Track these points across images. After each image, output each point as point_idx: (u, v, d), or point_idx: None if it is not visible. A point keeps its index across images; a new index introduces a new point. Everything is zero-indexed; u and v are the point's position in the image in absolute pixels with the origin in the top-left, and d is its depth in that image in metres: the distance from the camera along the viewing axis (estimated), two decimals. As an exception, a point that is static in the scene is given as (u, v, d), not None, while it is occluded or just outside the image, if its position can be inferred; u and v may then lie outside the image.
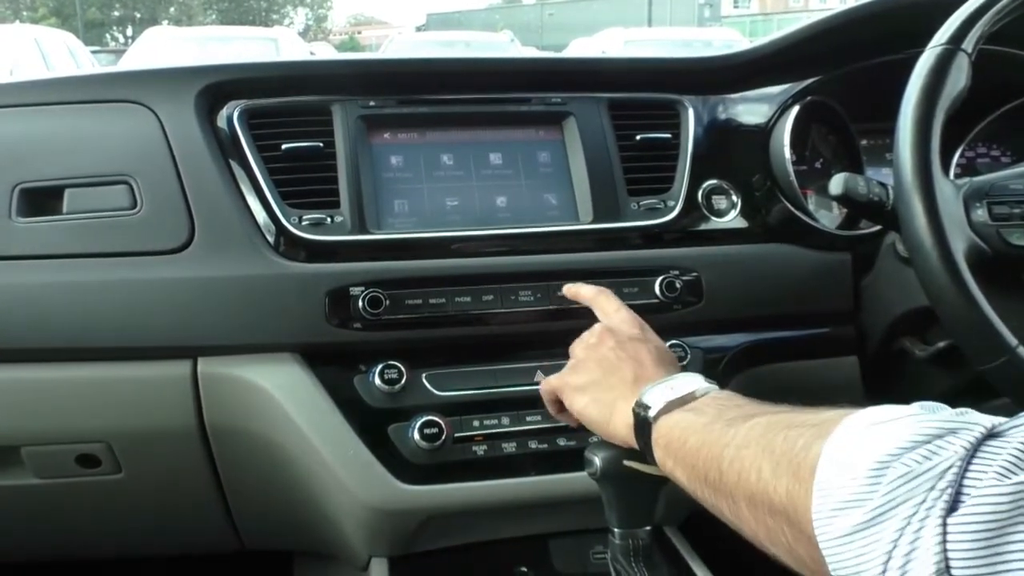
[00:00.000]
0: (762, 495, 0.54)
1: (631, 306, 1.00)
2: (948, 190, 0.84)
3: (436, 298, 0.96)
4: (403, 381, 0.94)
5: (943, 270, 0.79)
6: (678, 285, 1.01)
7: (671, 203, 1.05)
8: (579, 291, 0.92)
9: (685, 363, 1.01)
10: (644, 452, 0.70)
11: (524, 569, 1.00)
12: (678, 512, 1.05)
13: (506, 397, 0.97)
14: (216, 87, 1.01)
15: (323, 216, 0.96)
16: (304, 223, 0.96)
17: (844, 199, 0.91)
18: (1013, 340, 0.77)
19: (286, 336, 0.94)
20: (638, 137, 1.08)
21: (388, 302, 0.93)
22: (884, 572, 0.42)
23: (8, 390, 0.95)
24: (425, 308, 0.95)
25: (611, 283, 1.00)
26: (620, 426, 0.73)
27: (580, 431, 0.98)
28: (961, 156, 1.24)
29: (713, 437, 0.61)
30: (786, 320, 1.10)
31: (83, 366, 0.94)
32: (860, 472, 0.44)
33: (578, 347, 0.83)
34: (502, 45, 11.28)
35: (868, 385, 1.13)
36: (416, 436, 0.93)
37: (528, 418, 0.97)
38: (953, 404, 1.22)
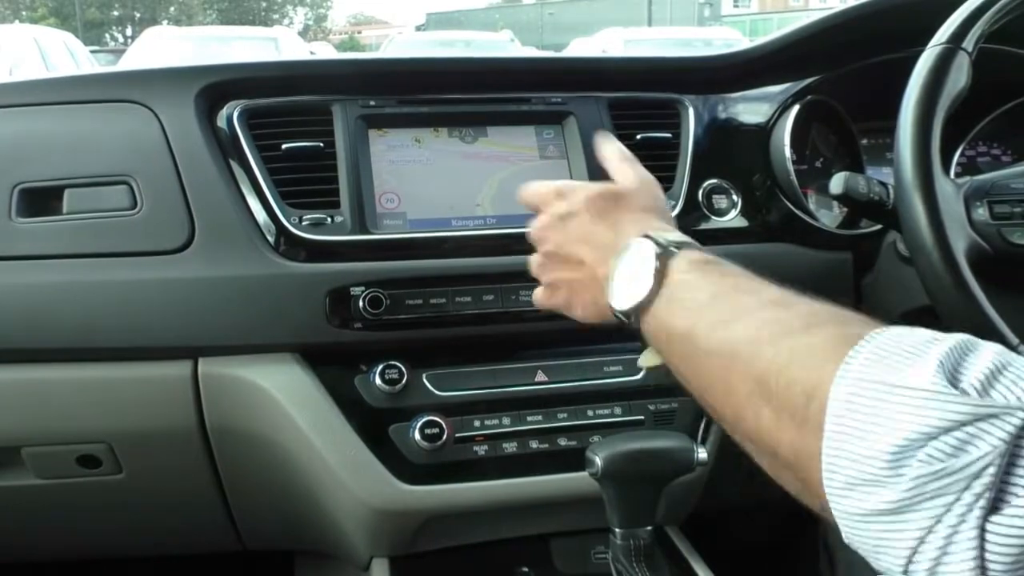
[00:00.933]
0: (764, 441, 0.49)
1: None
2: (949, 189, 0.84)
3: (437, 298, 0.95)
4: (404, 381, 0.94)
5: (944, 269, 0.78)
6: (679, 285, 1.00)
7: (671, 202, 1.05)
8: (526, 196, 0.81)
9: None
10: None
11: (525, 569, 0.99)
12: (679, 512, 1.05)
13: (507, 397, 0.97)
14: (216, 87, 1.01)
15: (323, 216, 0.96)
16: (304, 223, 0.96)
17: (844, 198, 0.91)
18: (1014, 339, 0.77)
19: (286, 336, 0.94)
20: (638, 136, 1.07)
21: (389, 302, 0.93)
22: (909, 563, 0.39)
23: (8, 391, 0.95)
24: (426, 308, 0.95)
25: None
26: (605, 317, 0.67)
27: (579, 430, 0.98)
28: (962, 155, 1.24)
29: (698, 347, 0.55)
30: None
31: (83, 367, 0.94)
32: (878, 451, 0.40)
33: (535, 257, 0.77)
34: (502, 44, 11.30)
35: None
36: (417, 436, 0.93)
37: (529, 418, 0.97)
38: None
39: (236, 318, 0.93)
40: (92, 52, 12.05)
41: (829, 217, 1.15)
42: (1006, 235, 0.87)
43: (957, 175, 1.21)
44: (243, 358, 0.94)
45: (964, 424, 0.38)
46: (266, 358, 0.94)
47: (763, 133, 1.14)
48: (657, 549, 0.82)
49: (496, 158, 1.05)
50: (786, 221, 1.10)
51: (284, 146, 0.98)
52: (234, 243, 0.94)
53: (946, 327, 0.83)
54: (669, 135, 1.09)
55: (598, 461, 0.77)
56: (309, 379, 0.94)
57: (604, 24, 13.67)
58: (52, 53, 7.99)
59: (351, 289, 0.93)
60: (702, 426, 1.01)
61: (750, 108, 1.16)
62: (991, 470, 0.37)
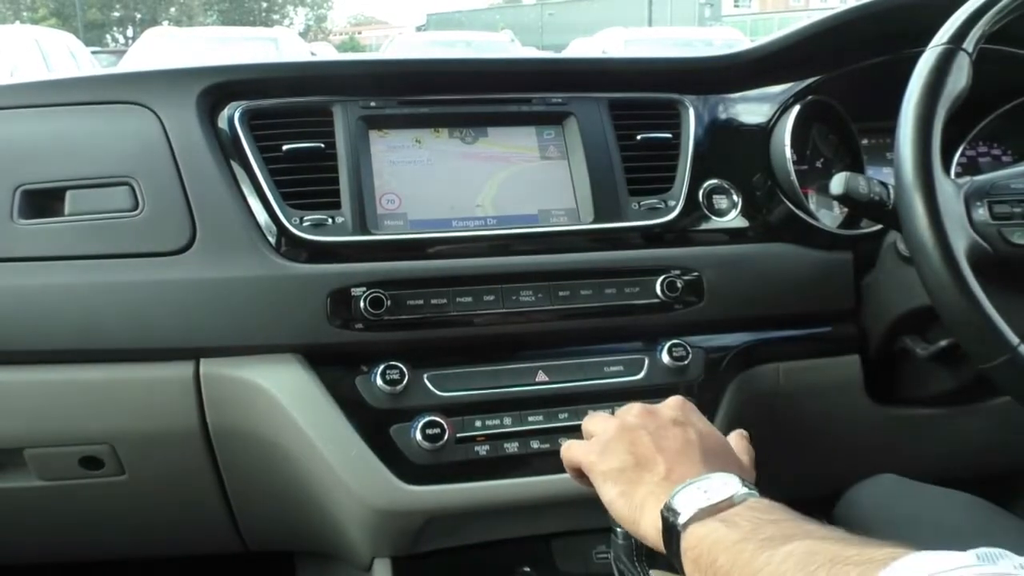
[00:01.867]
0: None
1: (633, 306, 1.01)
2: (949, 189, 0.84)
3: (438, 298, 0.96)
4: (405, 381, 0.94)
5: (944, 269, 0.79)
6: (679, 285, 1.01)
7: (672, 203, 1.05)
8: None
9: (687, 362, 1.00)
10: (672, 560, 0.64)
11: (527, 569, 1.00)
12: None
13: (508, 397, 0.97)
14: (217, 88, 1.01)
15: (324, 217, 0.96)
16: (305, 224, 0.96)
17: (845, 198, 0.91)
18: (1015, 339, 0.77)
19: (288, 337, 0.94)
20: (639, 137, 1.08)
21: (390, 302, 0.93)
22: None
23: (10, 392, 0.95)
24: (427, 308, 0.95)
25: (612, 283, 1.01)
26: (649, 528, 0.66)
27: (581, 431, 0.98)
28: (962, 155, 1.24)
29: (744, 559, 0.55)
30: (787, 319, 1.10)
31: (85, 368, 0.94)
32: None
33: (611, 422, 0.75)
34: (502, 45, 11.30)
35: (869, 384, 1.13)
36: (418, 436, 0.93)
37: (530, 418, 0.97)
38: (955, 403, 1.22)
39: (237, 319, 0.93)
40: (93, 53, 12.05)
41: (829, 217, 1.15)
42: (1006, 235, 0.87)
43: (957, 175, 1.22)
44: (244, 359, 0.94)
45: None
46: (267, 359, 0.94)
47: (764, 133, 1.14)
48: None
49: (496, 158, 1.05)
50: (786, 221, 1.10)
51: (285, 147, 0.98)
52: (235, 244, 0.94)
53: (947, 326, 0.84)
54: (669, 135, 1.09)
55: (599, 461, 0.77)
56: (310, 380, 0.94)
57: (604, 24, 13.66)
58: (53, 54, 7.99)
59: (352, 290, 0.93)
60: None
61: (751, 108, 1.16)
62: None
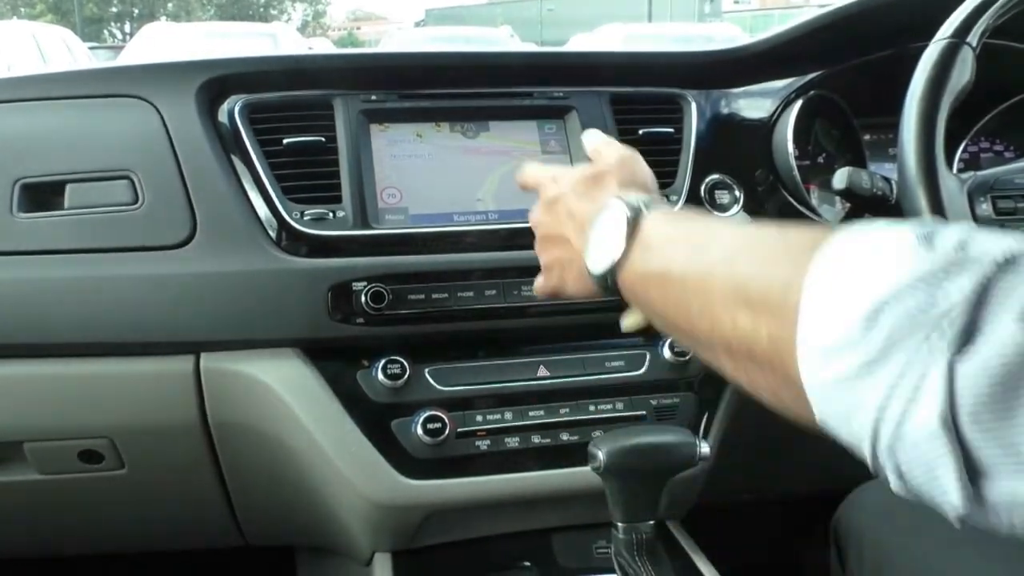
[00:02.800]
0: (740, 343, 0.49)
1: None
2: (952, 184, 0.84)
3: (439, 293, 0.95)
4: (406, 376, 0.94)
5: None
6: (681, 280, 1.00)
7: (674, 197, 1.05)
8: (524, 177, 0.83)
9: (688, 357, 1.00)
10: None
11: (527, 563, 1.00)
12: (681, 506, 1.05)
13: (509, 392, 0.97)
14: (217, 81, 1.01)
15: (325, 211, 0.96)
16: (306, 218, 0.95)
17: (848, 193, 0.91)
18: None
19: (289, 331, 0.94)
20: (640, 131, 1.07)
21: (391, 297, 0.93)
22: (880, 420, 0.38)
23: (10, 386, 0.95)
24: (428, 303, 0.95)
25: None
26: (592, 288, 0.68)
27: (581, 424, 0.98)
28: (964, 151, 1.24)
29: (673, 280, 0.56)
30: None
31: (85, 362, 0.94)
32: (853, 315, 0.39)
33: (536, 229, 0.79)
34: (501, 40, 11.28)
35: None
36: (419, 431, 0.93)
37: (531, 413, 0.97)
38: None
39: (238, 313, 0.93)
40: (90, 48, 12.03)
41: (831, 212, 1.15)
42: (1009, 231, 0.87)
43: (960, 171, 1.21)
44: (245, 353, 0.94)
45: (941, 274, 0.38)
46: (268, 353, 0.94)
47: (766, 128, 1.14)
48: (659, 543, 0.82)
49: (498, 153, 1.05)
50: (788, 216, 1.10)
51: (286, 141, 0.98)
52: (236, 238, 0.94)
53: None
54: (671, 130, 1.09)
55: (600, 456, 0.77)
56: (311, 374, 0.94)
57: (604, 20, 13.64)
58: (50, 49, 7.98)
59: (353, 284, 0.93)
60: (704, 421, 1.01)
61: (753, 103, 1.16)
62: (961, 312, 0.36)
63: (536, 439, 0.97)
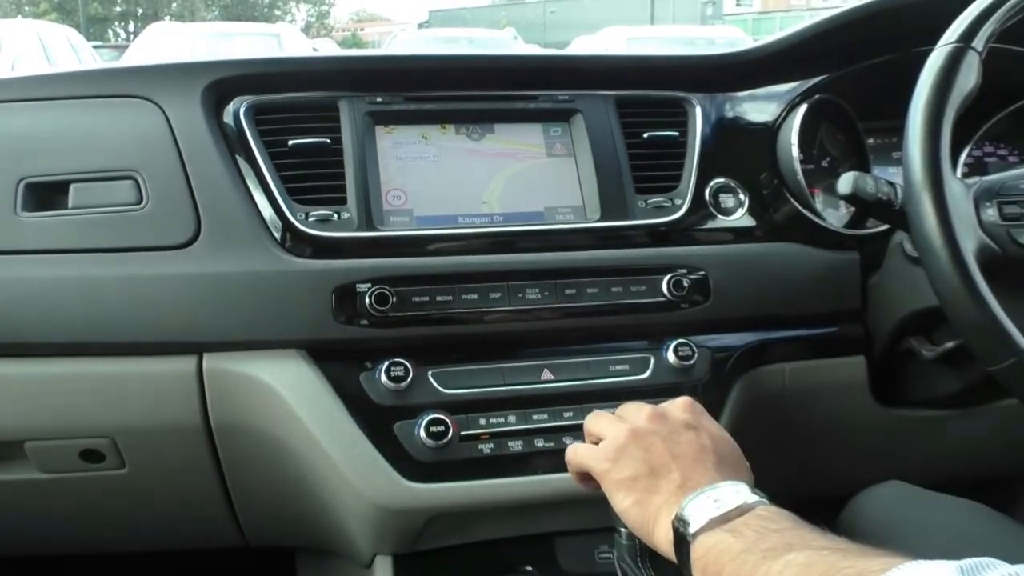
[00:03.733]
0: None
1: (638, 305, 1.00)
2: (958, 189, 0.84)
3: (443, 295, 0.95)
4: (409, 378, 0.94)
5: (953, 270, 0.78)
6: (685, 284, 1.00)
7: (678, 201, 1.05)
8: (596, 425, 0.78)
9: (692, 362, 1.00)
10: (683, 569, 0.63)
11: (529, 568, 0.99)
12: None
13: (513, 395, 0.97)
14: (223, 83, 1.01)
15: (330, 212, 0.96)
16: (311, 219, 0.95)
17: (853, 198, 0.91)
18: (1023, 341, 0.77)
19: (292, 333, 0.94)
20: (645, 135, 1.07)
21: (395, 299, 0.93)
22: None
23: (12, 385, 0.95)
24: (432, 305, 0.95)
25: (618, 281, 1.00)
26: (662, 538, 0.66)
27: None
28: (968, 155, 1.23)
29: (746, 570, 0.56)
30: (793, 319, 1.09)
31: (88, 361, 0.94)
32: None
33: (620, 427, 0.73)
34: (505, 42, 11.27)
35: (875, 385, 1.13)
36: (422, 434, 0.92)
37: (535, 416, 0.97)
38: (960, 405, 1.22)
39: (241, 314, 0.93)
40: (95, 48, 12.03)
41: (836, 217, 1.15)
42: (1016, 236, 0.86)
43: (964, 175, 1.21)
44: (248, 354, 0.94)
45: None
46: (271, 354, 0.94)
47: (770, 132, 1.13)
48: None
49: (503, 155, 1.05)
50: (793, 220, 1.10)
51: (291, 142, 0.98)
52: (240, 239, 0.94)
53: (955, 328, 0.83)
54: (676, 133, 1.09)
55: (604, 460, 0.76)
56: (314, 376, 0.93)
57: (607, 22, 13.64)
58: (55, 48, 7.98)
59: (357, 286, 0.93)
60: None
61: (757, 107, 1.16)
62: None
63: (539, 443, 0.96)
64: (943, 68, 0.84)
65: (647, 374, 1.00)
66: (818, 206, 1.13)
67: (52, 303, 0.92)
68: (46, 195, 0.95)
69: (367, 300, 0.92)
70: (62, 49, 8.22)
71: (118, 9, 38.95)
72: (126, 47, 12.28)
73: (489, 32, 13.18)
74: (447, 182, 1.02)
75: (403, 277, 0.94)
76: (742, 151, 1.12)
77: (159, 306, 0.93)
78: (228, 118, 1.00)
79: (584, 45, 11.85)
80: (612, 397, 0.99)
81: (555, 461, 0.96)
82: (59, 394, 0.95)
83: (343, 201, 0.97)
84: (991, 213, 0.86)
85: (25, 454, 0.97)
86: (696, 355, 1.01)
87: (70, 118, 1.00)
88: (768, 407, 1.07)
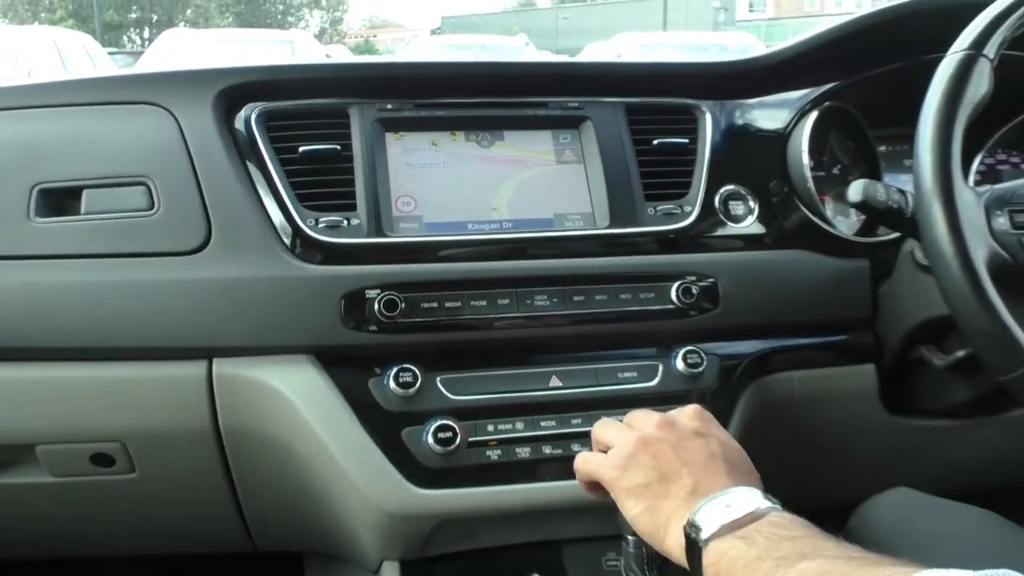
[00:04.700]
0: None
1: (647, 312, 1.00)
2: (969, 197, 0.83)
3: (452, 301, 0.95)
4: (418, 384, 0.94)
5: (964, 279, 0.78)
6: (695, 291, 1.00)
7: (688, 208, 1.05)
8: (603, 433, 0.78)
9: (701, 369, 1.00)
10: (694, 573, 0.64)
11: (536, 575, 0.99)
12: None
13: (521, 402, 0.97)
14: (234, 89, 1.01)
15: (340, 218, 0.96)
16: (321, 225, 0.96)
17: (863, 206, 0.90)
18: None
19: (301, 338, 0.94)
20: (655, 142, 1.07)
21: (404, 305, 0.93)
22: None
23: (24, 388, 0.95)
24: (441, 311, 0.95)
25: (627, 288, 1.00)
26: (673, 544, 0.65)
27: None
28: (981, 163, 1.23)
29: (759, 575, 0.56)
30: (803, 327, 1.09)
31: (99, 366, 0.95)
32: None
33: (629, 435, 0.73)
34: (517, 49, 11.28)
35: (885, 394, 1.12)
36: (430, 440, 0.92)
37: (543, 423, 0.96)
38: (971, 414, 1.21)
39: (251, 319, 0.94)
40: (110, 54, 12.12)
41: (846, 224, 1.14)
42: None
43: (976, 183, 1.20)
44: (257, 359, 0.94)
45: None
46: (280, 360, 0.94)
47: (780, 139, 1.13)
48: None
49: (512, 162, 1.05)
50: (803, 228, 1.09)
51: (301, 148, 0.99)
52: (250, 245, 0.94)
53: (965, 337, 0.83)
54: (686, 140, 1.09)
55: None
56: (323, 381, 0.94)
57: (619, 28, 13.66)
58: (70, 55, 8.04)
59: (366, 292, 0.93)
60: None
61: (767, 114, 1.16)
62: None
63: (547, 449, 0.96)
64: (954, 75, 0.83)
65: (655, 381, 1.00)
66: (828, 214, 1.12)
67: (64, 308, 0.93)
68: (59, 201, 0.96)
69: (376, 306, 0.92)
70: (78, 55, 8.29)
71: (133, 16, 39.23)
72: (141, 53, 12.37)
73: (501, 39, 13.22)
74: (457, 189, 1.02)
75: (412, 283, 0.95)
76: (752, 158, 1.12)
77: (170, 311, 0.93)
78: (239, 124, 1.01)
79: (596, 51, 11.86)
80: (620, 404, 0.98)
81: (563, 468, 0.96)
82: (70, 398, 0.96)
83: (353, 207, 0.97)
84: (1002, 221, 0.86)
85: (36, 458, 0.98)
86: (705, 363, 1.00)
87: (83, 124, 1.01)
88: (777, 415, 1.07)
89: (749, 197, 1.08)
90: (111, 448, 0.97)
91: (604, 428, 0.77)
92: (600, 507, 0.81)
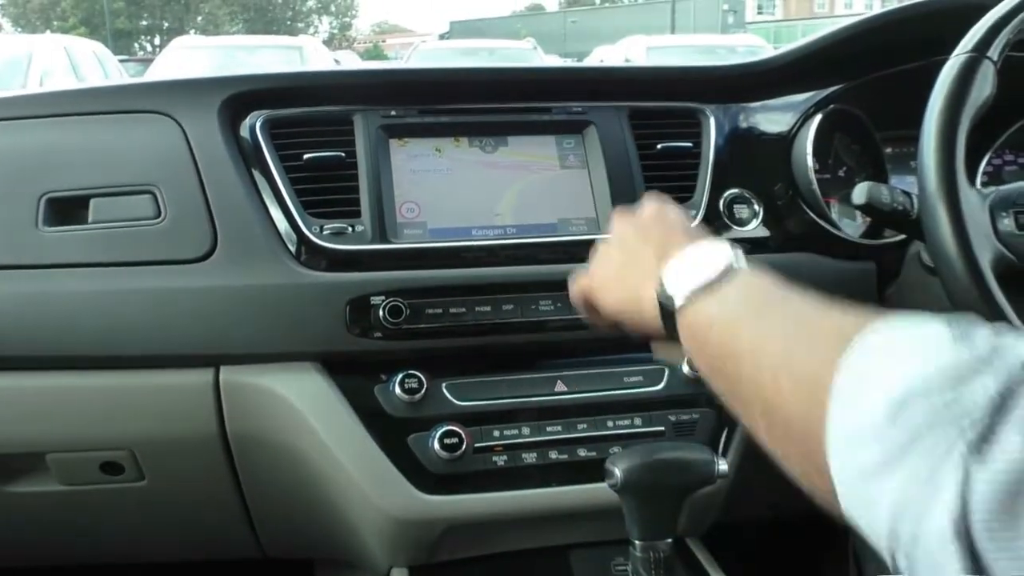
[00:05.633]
0: (778, 411, 0.49)
1: None
2: (974, 199, 0.83)
3: (456, 307, 0.96)
4: (423, 390, 0.94)
5: (969, 280, 0.78)
6: (700, 295, 1.00)
7: (692, 212, 1.05)
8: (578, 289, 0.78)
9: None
10: (671, 338, 0.63)
11: None
12: (700, 523, 1.04)
13: (526, 407, 0.97)
14: (239, 97, 1.02)
15: (344, 225, 0.97)
16: (325, 232, 0.96)
17: (868, 208, 0.90)
18: None
19: (307, 345, 0.95)
20: (659, 146, 1.07)
21: (409, 311, 0.93)
22: (897, 520, 0.38)
23: (33, 397, 0.96)
24: (446, 317, 0.95)
25: None
26: (649, 315, 0.65)
27: (599, 440, 0.98)
28: (988, 164, 1.22)
29: (735, 331, 0.56)
30: None
31: (107, 374, 0.95)
32: (879, 406, 0.40)
33: (601, 244, 0.75)
34: (525, 53, 11.29)
35: None
36: (436, 446, 0.93)
37: (548, 428, 0.97)
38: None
39: (257, 327, 0.94)
40: (121, 61, 12.18)
41: (852, 227, 1.14)
42: None
43: (983, 184, 1.20)
44: (264, 367, 0.95)
45: (968, 373, 0.38)
46: (287, 367, 0.95)
47: (785, 142, 1.13)
48: (677, 561, 0.81)
49: (516, 167, 1.05)
50: (808, 231, 1.09)
51: (306, 156, 0.99)
52: (256, 252, 0.95)
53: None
54: (690, 144, 1.09)
55: (618, 472, 0.76)
56: (329, 388, 0.94)
57: (627, 32, 13.64)
58: (82, 62, 8.10)
59: (371, 298, 0.94)
60: (723, 438, 1.00)
61: (772, 117, 1.15)
62: (982, 411, 0.36)
63: (553, 455, 0.96)
64: (958, 77, 0.83)
65: (661, 385, 1.00)
66: (834, 216, 1.12)
67: (71, 316, 0.93)
68: (67, 210, 0.97)
69: (381, 312, 0.93)
70: (89, 63, 8.34)
71: (144, 23, 39.48)
72: (151, 60, 12.43)
73: (509, 43, 13.21)
74: (461, 194, 1.02)
75: (417, 289, 0.95)
76: (756, 161, 1.12)
77: (176, 319, 0.94)
78: (245, 132, 1.01)
79: (604, 55, 11.86)
80: (626, 409, 0.99)
81: (569, 473, 0.96)
82: (78, 406, 0.96)
83: (357, 214, 0.98)
84: (1007, 223, 0.86)
85: (47, 466, 0.99)
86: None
87: (90, 134, 1.01)
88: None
89: (754, 200, 1.08)
90: (120, 456, 0.98)
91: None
92: (608, 512, 0.81)
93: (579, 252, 1.01)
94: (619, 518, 0.80)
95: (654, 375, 1.01)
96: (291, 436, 0.95)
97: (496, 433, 0.96)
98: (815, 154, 1.09)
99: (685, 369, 1.00)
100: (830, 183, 1.14)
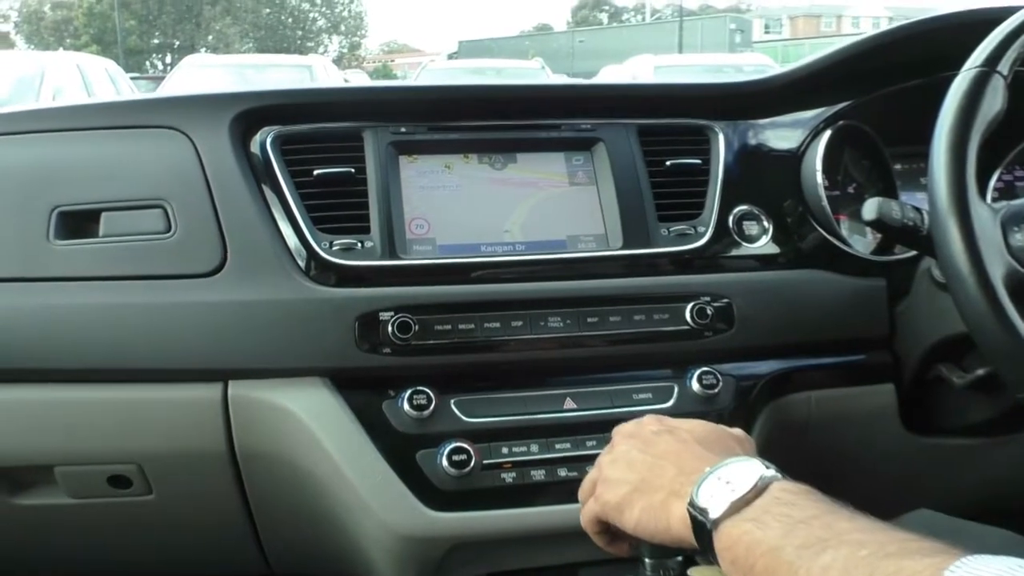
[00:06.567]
0: None
1: (662, 333, 1.00)
2: (985, 214, 0.82)
3: (465, 324, 0.95)
4: (432, 407, 0.94)
5: (981, 296, 0.77)
6: (709, 311, 1.00)
7: (701, 229, 1.05)
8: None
9: (717, 390, 0.99)
10: (707, 555, 0.62)
11: None
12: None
13: (535, 424, 0.97)
14: (250, 113, 1.03)
15: (353, 241, 0.97)
16: (335, 248, 0.96)
17: (878, 224, 0.90)
18: None
19: (316, 360, 0.94)
20: (668, 163, 1.07)
21: (417, 327, 0.93)
22: None
23: (42, 410, 0.96)
24: (454, 334, 0.95)
25: (641, 309, 1.00)
26: (680, 528, 0.63)
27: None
28: (999, 180, 1.22)
29: (783, 570, 0.54)
30: (819, 347, 1.08)
31: (115, 387, 0.95)
32: None
33: (593, 470, 0.74)
34: (533, 72, 11.36)
35: (905, 414, 1.11)
36: (444, 462, 0.92)
37: (557, 445, 0.96)
38: (992, 433, 1.19)
39: (266, 342, 0.94)
40: (132, 79, 12.31)
41: (862, 243, 1.13)
42: None
43: (994, 200, 1.19)
44: (272, 382, 0.95)
45: None
46: (295, 382, 0.95)
47: (794, 159, 1.13)
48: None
49: (525, 184, 1.05)
50: (818, 247, 1.09)
51: (316, 172, 0.99)
52: (265, 267, 0.95)
53: (984, 355, 0.82)
54: (699, 161, 1.09)
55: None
56: (337, 404, 0.94)
57: (634, 51, 13.71)
58: (94, 79, 8.18)
59: (380, 314, 0.94)
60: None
61: (781, 134, 1.15)
62: None
63: (562, 472, 0.96)
64: (968, 92, 0.83)
65: (671, 403, 0.99)
66: (844, 233, 1.12)
67: (81, 329, 0.94)
68: (78, 223, 0.97)
69: (390, 328, 0.93)
70: (101, 80, 8.42)
71: (156, 41, 39.85)
72: (163, 78, 12.54)
73: (517, 62, 13.30)
74: (470, 211, 1.03)
75: (425, 305, 0.95)
76: (766, 178, 1.12)
77: (185, 333, 0.94)
78: (255, 148, 1.02)
79: (612, 74, 11.90)
80: (635, 426, 0.98)
81: (578, 490, 0.95)
82: (87, 420, 0.96)
83: (367, 230, 0.98)
84: (1019, 237, 0.85)
85: (55, 479, 0.99)
86: (721, 384, 1.00)
87: (102, 148, 1.02)
88: (795, 436, 1.06)
89: (763, 217, 1.08)
90: (128, 470, 0.98)
91: (582, 487, 0.77)
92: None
93: (588, 269, 1.01)
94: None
95: (663, 392, 1.00)
96: (299, 451, 0.95)
97: (505, 450, 0.95)
98: (825, 171, 1.09)
99: (694, 386, 1.00)
100: (840, 200, 1.14)
